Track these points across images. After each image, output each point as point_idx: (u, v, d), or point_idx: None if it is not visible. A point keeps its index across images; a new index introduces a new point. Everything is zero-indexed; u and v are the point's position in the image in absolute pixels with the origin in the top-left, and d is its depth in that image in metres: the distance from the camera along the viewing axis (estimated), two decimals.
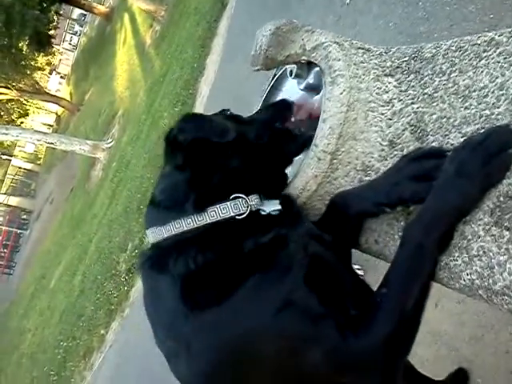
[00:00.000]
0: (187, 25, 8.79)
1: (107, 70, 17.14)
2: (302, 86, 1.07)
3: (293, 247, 0.80)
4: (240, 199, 0.83)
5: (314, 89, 1.05)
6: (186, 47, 8.26)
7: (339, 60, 0.92)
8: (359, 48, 0.96)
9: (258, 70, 1.02)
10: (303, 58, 0.99)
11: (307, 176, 0.89)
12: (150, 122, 8.96)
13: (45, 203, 20.94)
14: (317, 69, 1.02)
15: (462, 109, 0.78)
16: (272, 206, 0.86)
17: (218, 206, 0.82)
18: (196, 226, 0.82)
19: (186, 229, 0.82)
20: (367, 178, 0.88)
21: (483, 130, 0.72)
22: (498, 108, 0.71)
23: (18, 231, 26.83)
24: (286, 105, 1.03)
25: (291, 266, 0.78)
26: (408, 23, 3.18)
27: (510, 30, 0.79)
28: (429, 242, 0.71)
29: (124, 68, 14.75)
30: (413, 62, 0.90)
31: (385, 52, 0.96)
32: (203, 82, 7.04)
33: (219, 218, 0.82)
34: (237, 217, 0.82)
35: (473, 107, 0.76)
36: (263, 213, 0.85)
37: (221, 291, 0.77)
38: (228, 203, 0.83)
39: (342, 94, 0.89)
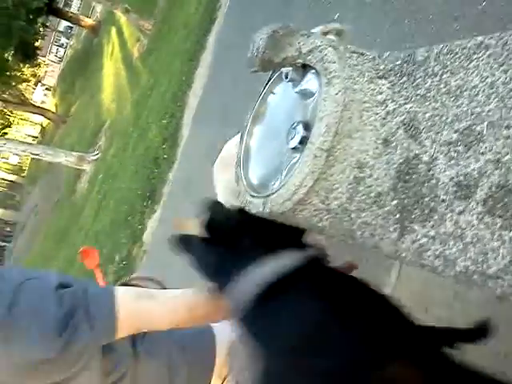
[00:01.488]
0: (175, 39, 8.87)
1: (94, 83, 17.15)
2: (297, 89, 1.10)
3: None
4: None
5: (307, 94, 1.08)
6: (175, 60, 8.33)
7: (334, 62, 0.95)
8: (353, 52, 1.00)
9: (256, 71, 1.05)
10: (299, 60, 1.02)
11: (304, 172, 0.91)
12: (137, 134, 8.97)
13: (30, 215, 20.71)
14: (312, 72, 1.05)
15: (454, 107, 0.81)
16: None
17: None
18: None
19: None
20: (362, 175, 0.91)
21: None
22: (489, 105, 0.75)
23: (2, 244, 26.45)
24: None
25: None
26: (394, 39, 3.26)
27: (498, 34, 0.83)
28: None
29: (111, 81, 14.78)
30: (405, 65, 0.94)
31: (378, 56, 0.99)
32: (192, 94, 7.09)
33: None
34: None
35: (464, 105, 0.79)
36: None
37: None
38: None
39: (337, 94, 0.92)
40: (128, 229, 6.70)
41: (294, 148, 1.02)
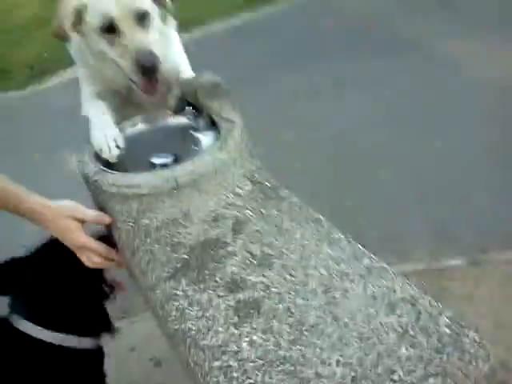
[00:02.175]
0: None
1: None
2: (192, 132, 1.25)
3: None
4: None
5: (195, 140, 1.23)
6: None
7: (234, 140, 1.13)
8: (250, 154, 1.19)
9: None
10: (215, 115, 1.21)
11: (149, 183, 1.03)
12: None
13: None
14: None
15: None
16: None
17: None
18: None
19: None
20: (182, 222, 1.05)
21: None
22: None
23: None
24: None
25: None
26: None
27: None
28: None
29: None
30: (269, 190, 1.15)
31: (260, 168, 1.20)
32: None
33: None
34: None
35: None
36: None
37: None
38: None
39: (220, 156, 1.09)
40: None
41: (157, 164, 1.15)
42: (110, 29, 1.22)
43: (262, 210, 1.09)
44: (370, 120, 3.93)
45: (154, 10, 1.28)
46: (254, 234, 1.04)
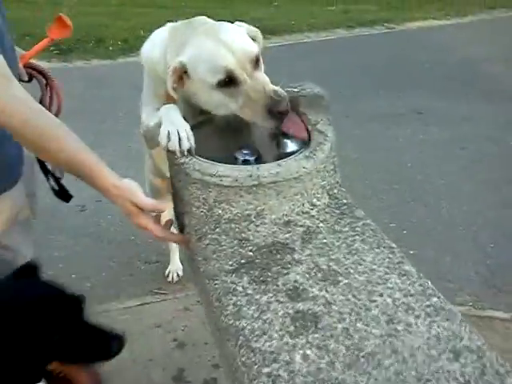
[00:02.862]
0: None
1: None
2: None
3: None
4: None
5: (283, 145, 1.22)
6: None
7: (323, 152, 1.12)
8: (334, 169, 1.18)
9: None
10: (310, 125, 1.20)
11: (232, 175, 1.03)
12: None
13: None
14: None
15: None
16: None
17: None
18: None
19: None
20: (255, 219, 1.05)
21: None
22: None
23: None
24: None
25: None
26: None
27: None
28: None
29: None
30: (345, 207, 1.13)
31: (340, 185, 1.18)
32: None
33: None
34: None
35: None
36: None
37: None
38: None
39: (306, 164, 1.08)
40: None
41: (242, 160, 1.16)
42: (228, 82, 1.16)
43: (335, 225, 1.08)
44: (442, 155, 3.82)
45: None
46: (322, 246, 1.02)
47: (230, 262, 1.00)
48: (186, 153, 1.13)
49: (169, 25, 1.34)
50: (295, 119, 1.21)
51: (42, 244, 2.52)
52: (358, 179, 3.30)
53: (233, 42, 1.17)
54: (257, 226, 1.06)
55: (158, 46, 1.31)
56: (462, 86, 5.18)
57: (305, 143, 1.20)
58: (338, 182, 1.18)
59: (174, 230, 1.26)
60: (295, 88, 1.24)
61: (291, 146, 1.21)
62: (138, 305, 2.52)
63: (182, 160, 1.12)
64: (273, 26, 7.36)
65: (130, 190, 1.11)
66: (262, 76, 1.19)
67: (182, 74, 1.21)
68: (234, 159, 1.16)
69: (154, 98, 1.36)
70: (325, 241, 1.03)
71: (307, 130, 1.20)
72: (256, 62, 1.19)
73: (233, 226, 1.06)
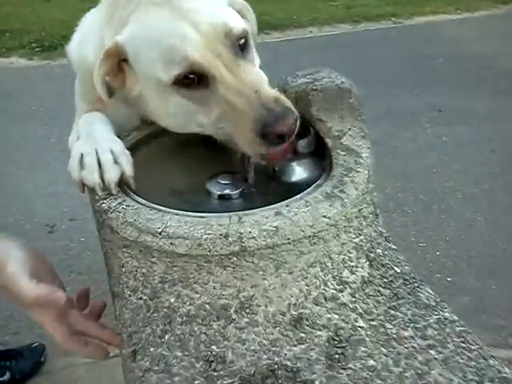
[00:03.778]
0: None
1: None
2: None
3: None
4: None
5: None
6: None
7: (356, 187, 0.63)
8: (375, 212, 0.69)
9: None
10: (329, 137, 0.70)
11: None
12: None
13: None
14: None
15: None
16: None
17: None
18: None
19: None
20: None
21: None
22: None
23: None
24: None
25: None
26: None
27: None
28: None
29: None
30: (402, 285, 0.64)
31: (387, 238, 0.69)
32: None
33: None
34: None
35: None
36: None
37: None
38: None
39: (328, 211, 0.59)
40: None
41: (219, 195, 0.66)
42: (193, 79, 0.67)
43: (385, 323, 0.58)
44: (470, 158, 3.32)
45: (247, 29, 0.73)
46: (367, 376, 0.53)
47: None
48: (112, 190, 0.64)
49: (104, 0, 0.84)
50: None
51: None
52: (376, 190, 2.80)
53: (200, 13, 0.67)
54: (240, 329, 0.56)
55: (89, 33, 0.81)
56: (480, 82, 4.70)
57: (320, 166, 0.71)
58: (382, 234, 0.69)
59: None
60: (304, 77, 0.75)
61: (300, 171, 0.72)
62: (111, 357, 2.03)
63: (105, 204, 0.62)
64: (274, 20, 6.91)
65: (1, 268, 0.62)
66: (252, 71, 0.69)
67: (121, 62, 0.72)
68: (205, 193, 0.68)
69: (84, 105, 0.86)
70: (371, 362, 0.54)
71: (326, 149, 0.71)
72: (242, 48, 0.70)
73: (196, 329, 0.57)
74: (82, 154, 0.65)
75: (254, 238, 0.56)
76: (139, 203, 0.62)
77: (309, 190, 0.64)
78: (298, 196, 0.63)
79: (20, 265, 0.65)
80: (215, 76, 0.66)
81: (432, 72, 5.21)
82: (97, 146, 0.65)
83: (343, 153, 0.68)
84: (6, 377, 1.63)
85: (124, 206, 0.61)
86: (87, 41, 0.81)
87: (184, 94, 0.68)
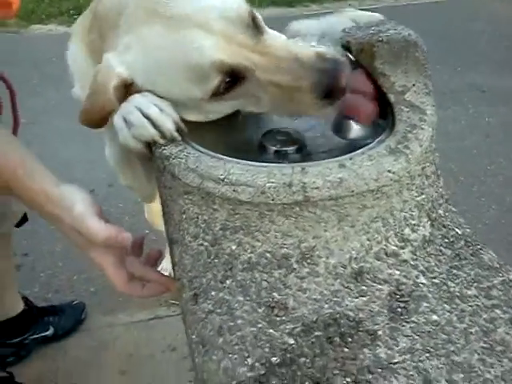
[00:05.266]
0: None
1: None
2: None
3: None
4: None
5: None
6: None
7: (420, 144, 0.62)
8: (437, 173, 0.67)
9: None
10: (392, 93, 0.68)
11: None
12: None
13: None
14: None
15: None
16: None
17: None
18: None
19: None
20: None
21: None
22: None
23: None
24: None
25: None
26: None
27: None
28: None
29: None
30: (464, 246, 0.62)
31: (447, 200, 0.67)
32: None
33: None
34: None
35: None
36: None
37: None
38: None
39: (392, 165, 0.57)
40: None
41: (275, 151, 0.65)
42: (227, 82, 0.63)
43: (448, 282, 0.57)
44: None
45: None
46: (430, 330, 0.52)
47: (250, 361, 0.51)
48: (176, 136, 0.64)
49: (75, 30, 0.80)
50: (363, 85, 0.70)
51: (42, 236, 2.11)
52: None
53: (200, 13, 0.62)
54: (301, 279, 0.56)
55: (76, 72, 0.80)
56: None
57: (380, 125, 0.69)
58: (443, 196, 0.67)
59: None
60: (369, 29, 0.73)
61: (357, 129, 0.70)
62: (150, 319, 2.06)
63: (167, 150, 0.63)
64: None
65: (70, 208, 0.64)
66: (276, 40, 0.65)
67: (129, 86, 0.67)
68: (259, 149, 0.68)
69: None
70: (435, 317, 0.53)
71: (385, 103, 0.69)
72: (254, 27, 0.64)
73: (257, 276, 0.57)
74: (123, 117, 0.64)
75: (317, 188, 0.55)
76: (200, 151, 0.62)
77: (371, 144, 0.63)
78: (360, 150, 0.62)
79: (88, 206, 0.66)
80: (248, 66, 0.63)
81: (476, 49, 5.03)
82: (137, 104, 0.65)
83: (407, 109, 0.66)
84: (50, 332, 1.69)
85: (185, 153, 0.61)
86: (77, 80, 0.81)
87: (226, 97, 0.65)
